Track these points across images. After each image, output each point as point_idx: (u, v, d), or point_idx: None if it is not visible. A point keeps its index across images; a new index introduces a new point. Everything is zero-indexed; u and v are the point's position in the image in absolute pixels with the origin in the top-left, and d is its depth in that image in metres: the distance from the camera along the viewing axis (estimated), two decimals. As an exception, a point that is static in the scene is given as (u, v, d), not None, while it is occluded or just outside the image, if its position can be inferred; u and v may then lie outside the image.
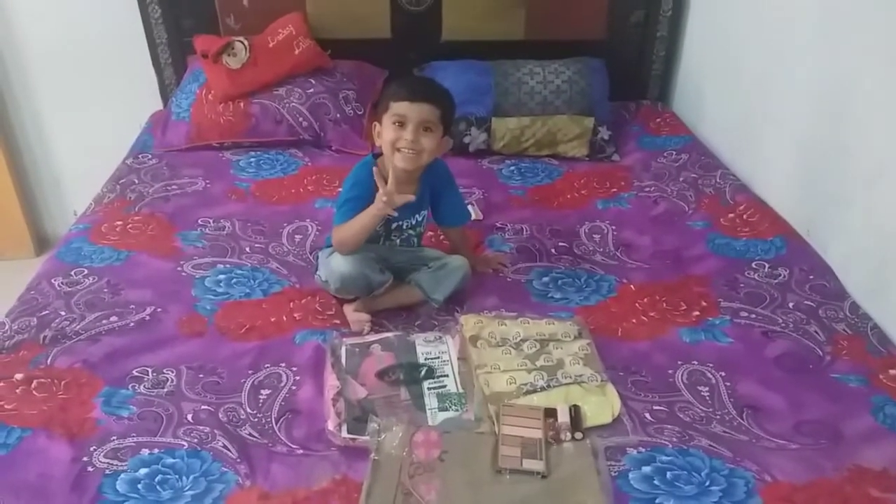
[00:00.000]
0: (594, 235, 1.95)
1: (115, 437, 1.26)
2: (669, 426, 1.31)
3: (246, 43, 2.39)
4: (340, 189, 1.67)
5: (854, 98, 1.70)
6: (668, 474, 1.20)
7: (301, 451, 1.25)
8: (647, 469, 1.21)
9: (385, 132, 1.57)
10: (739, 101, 2.26)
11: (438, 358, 1.45)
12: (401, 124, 1.54)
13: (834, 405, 1.35)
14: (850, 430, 1.29)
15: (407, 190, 1.58)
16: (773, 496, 1.15)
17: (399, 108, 1.54)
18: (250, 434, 1.28)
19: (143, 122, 2.61)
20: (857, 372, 1.43)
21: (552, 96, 2.35)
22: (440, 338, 1.51)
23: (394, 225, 1.66)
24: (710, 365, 1.46)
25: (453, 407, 1.33)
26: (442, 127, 1.58)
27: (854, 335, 1.53)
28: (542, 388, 1.37)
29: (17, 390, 1.36)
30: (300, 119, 2.37)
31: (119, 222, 1.96)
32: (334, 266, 1.57)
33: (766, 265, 1.77)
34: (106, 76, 2.71)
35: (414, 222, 1.70)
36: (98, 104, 2.76)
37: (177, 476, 1.19)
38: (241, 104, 2.37)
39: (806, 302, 1.64)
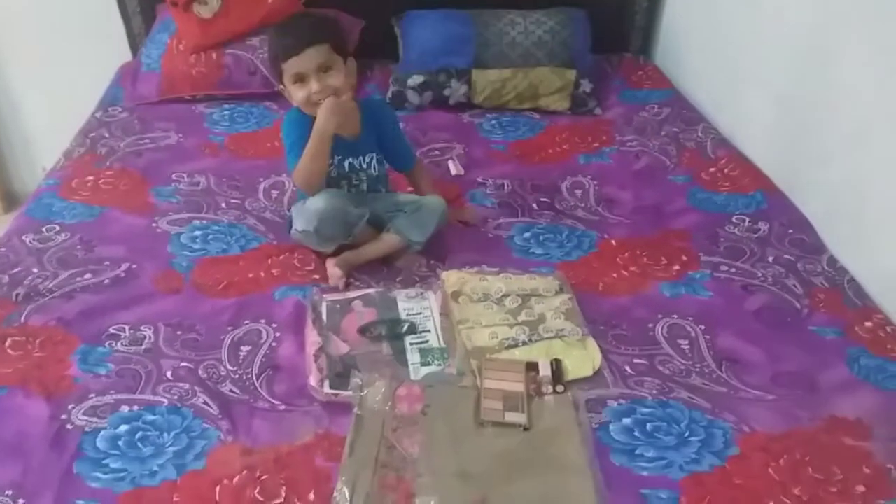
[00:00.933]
0: (576, 190, 1.94)
1: (93, 395, 1.25)
2: (649, 379, 1.32)
3: (217, -9, 2.31)
4: (283, 137, 1.64)
5: (838, 53, 1.68)
6: (648, 426, 1.21)
7: (283, 407, 1.24)
8: (627, 421, 1.22)
9: (294, 94, 1.55)
10: (722, 54, 2.24)
11: (420, 314, 1.44)
12: (302, 80, 1.52)
13: (811, 357, 1.37)
14: (826, 381, 1.31)
15: (346, 126, 1.58)
16: (750, 446, 1.17)
17: (290, 66, 1.51)
18: (231, 390, 1.28)
19: (111, 74, 2.53)
20: (834, 324, 1.45)
21: (534, 48, 2.31)
22: (422, 294, 1.50)
23: (347, 165, 1.63)
24: (690, 318, 1.47)
25: (436, 362, 1.33)
26: (340, 56, 1.54)
27: (831, 288, 1.55)
28: (524, 343, 1.37)
29: (-8, 349, 1.33)
30: (275, 71, 2.31)
31: (90, 177, 1.91)
32: (310, 205, 1.54)
33: (747, 219, 1.78)
34: (72, 26, 2.61)
35: (366, 163, 1.66)
36: (64, 56, 2.66)
37: (157, 433, 1.18)
38: (214, 55, 2.30)
39: (785, 256, 1.65)
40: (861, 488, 1.10)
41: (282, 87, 1.60)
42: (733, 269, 1.61)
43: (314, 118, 1.55)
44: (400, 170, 1.78)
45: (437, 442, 1.16)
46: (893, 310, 1.49)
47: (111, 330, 1.40)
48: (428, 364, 1.33)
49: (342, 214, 1.54)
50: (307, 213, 1.55)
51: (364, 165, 1.66)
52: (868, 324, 1.44)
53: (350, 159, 1.63)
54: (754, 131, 2.06)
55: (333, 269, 1.55)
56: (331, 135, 1.54)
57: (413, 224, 1.61)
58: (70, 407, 1.22)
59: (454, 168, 2.01)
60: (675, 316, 1.48)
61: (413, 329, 1.41)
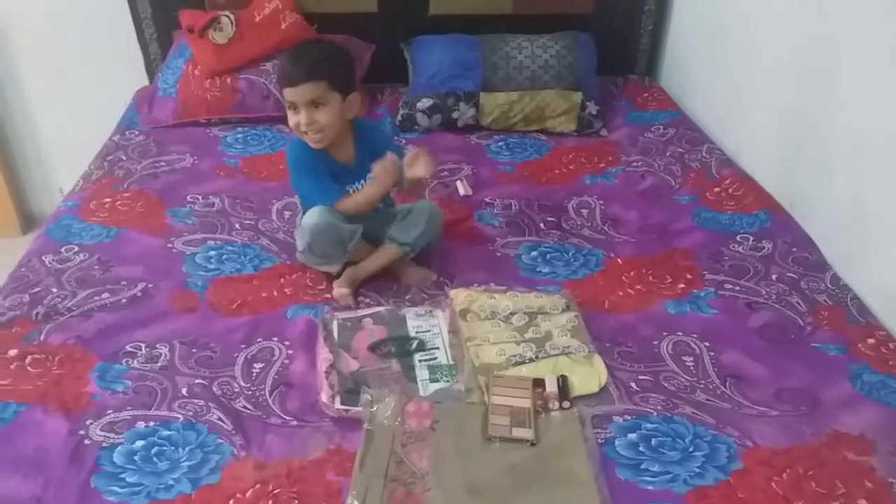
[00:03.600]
0: (582, 210, 1.97)
1: (110, 411, 1.28)
2: (654, 395, 1.34)
3: (232, 17, 2.38)
4: (291, 176, 1.69)
5: (839, 71, 1.71)
6: (653, 441, 1.23)
7: (295, 423, 1.27)
8: (632, 436, 1.24)
9: (288, 117, 1.60)
10: (726, 75, 2.27)
11: (429, 331, 1.47)
12: (294, 108, 1.57)
13: (814, 373, 1.39)
14: (829, 397, 1.33)
15: (342, 153, 1.64)
16: (753, 460, 1.19)
17: (287, 94, 1.56)
18: (244, 406, 1.31)
19: (128, 99, 2.59)
20: (837, 341, 1.46)
21: (540, 71, 2.36)
22: (431, 312, 1.53)
23: (346, 189, 1.66)
24: (695, 336, 1.49)
25: (444, 378, 1.36)
26: (337, 93, 1.57)
27: (834, 306, 1.57)
28: (531, 360, 1.40)
29: (12, 366, 1.37)
30: (288, 95, 2.36)
31: (108, 199, 1.96)
32: (303, 222, 1.59)
33: (751, 238, 1.80)
34: (90, 52, 2.69)
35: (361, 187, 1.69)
36: (82, 81, 2.73)
37: (173, 447, 1.21)
38: (228, 80, 2.36)
39: (788, 274, 1.67)
40: (863, 502, 1.11)
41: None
42: (737, 287, 1.63)
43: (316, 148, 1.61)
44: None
45: (445, 457, 1.18)
46: (895, 326, 1.50)
47: (128, 348, 1.44)
48: (436, 380, 1.35)
49: (334, 229, 1.57)
50: (302, 230, 1.60)
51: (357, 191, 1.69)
52: (871, 340, 1.46)
53: (349, 186, 1.66)
54: (758, 151, 2.09)
55: (339, 290, 1.58)
56: (379, 198, 1.63)
57: (403, 227, 1.65)
58: (88, 423, 1.26)
59: (462, 189, 2.05)
60: (679, 333, 1.50)
61: (422, 346, 1.43)
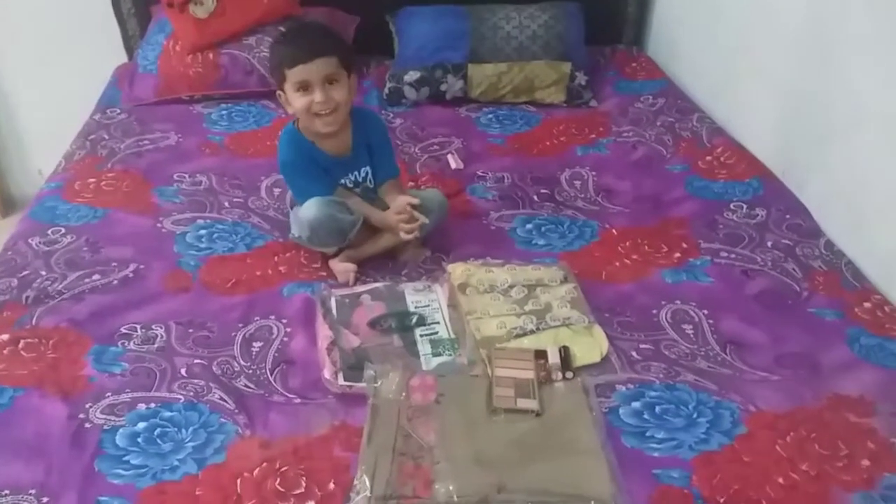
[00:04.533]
0: (575, 182, 1.96)
1: (109, 394, 1.26)
2: (656, 363, 1.35)
3: (213, -9, 2.32)
4: (281, 170, 1.67)
5: (836, 42, 1.71)
6: (657, 408, 1.24)
7: (298, 400, 1.26)
8: (636, 404, 1.25)
9: (293, 101, 1.53)
10: (715, 44, 2.27)
11: (428, 306, 1.46)
12: (305, 89, 1.50)
13: (812, 338, 1.40)
14: (828, 361, 1.34)
15: (337, 143, 1.59)
16: (757, 424, 1.20)
17: (296, 73, 1.49)
18: (246, 385, 1.29)
19: (107, 76, 2.53)
20: (833, 306, 1.48)
21: (528, 41, 2.33)
22: (429, 286, 1.52)
23: (340, 183, 1.63)
24: (693, 304, 1.50)
25: (446, 352, 1.35)
26: (345, 70, 1.53)
27: (829, 271, 1.58)
28: (532, 332, 1.40)
29: (5, 351, 1.34)
30: (272, 69, 2.32)
31: (92, 179, 1.91)
32: (301, 214, 1.56)
33: (744, 206, 1.81)
34: (66, 29, 2.61)
35: (361, 177, 1.66)
36: (59, 59, 2.66)
37: (176, 429, 1.20)
38: (210, 55, 2.31)
39: (783, 241, 1.68)
40: (866, 462, 1.13)
41: (280, 93, 1.57)
42: (733, 255, 1.64)
43: (310, 141, 1.58)
44: (379, 181, 1.69)
45: (452, 429, 1.18)
46: (891, 290, 1.52)
47: (123, 329, 1.41)
48: (439, 354, 1.35)
49: (334, 222, 1.54)
50: (300, 222, 1.57)
51: (360, 179, 1.66)
52: (867, 304, 1.48)
53: (344, 179, 1.64)
54: (749, 119, 2.09)
55: (344, 266, 1.56)
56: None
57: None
58: (87, 406, 1.24)
59: (454, 162, 2.03)
60: (677, 302, 1.51)
61: (422, 321, 1.43)
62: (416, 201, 1.56)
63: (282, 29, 1.63)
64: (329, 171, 1.61)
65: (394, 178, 1.71)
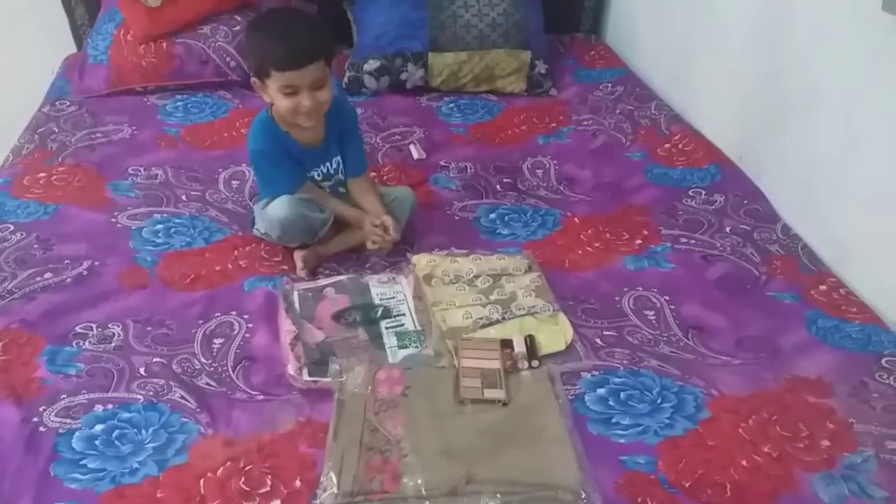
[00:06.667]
0: (537, 171, 1.96)
1: (64, 395, 1.22)
2: (620, 350, 1.36)
3: (164, -22, 2.25)
4: (251, 158, 1.62)
5: (790, 25, 1.73)
6: (622, 395, 1.25)
7: (262, 397, 1.24)
8: (601, 391, 1.26)
9: (277, 101, 1.47)
10: (673, 31, 2.28)
11: (394, 298, 1.45)
12: (293, 92, 1.45)
13: (771, 321, 1.42)
14: (787, 344, 1.37)
15: (310, 133, 1.56)
16: (720, 408, 1.22)
17: (286, 78, 1.43)
18: (207, 383, 1.27)
19: (55, 68, 2.44)
20: (791, 289, 1.51)
21: (488, 29, 2.32)
22: (394, 278, 1.51)
23: (309, 175, 1.61)
24: (655, 290, 1.51)
25: (412, 344, 1.34)
26: (329, 67, 1.50)
27: (786, 255, 1.61)
28: (498, 321, 1.39)
29: (-47, 354, 1.29)
30: (227, 59, 2.27)
31: (42, 174, 1.85)
32: (271, 214, 1.53)
33: (703, 192, 1.83)
34: (10, 17, 2.51)
35: (333, 168, 1.63)
36: (4, 49, 2.55)
37: (135, 430, 1.16)
38: (164, 44, 2.25)
39: (741, 226, 1.71)
40: (826, 442, 1.15)
41: (257, 80, 1.51)
42: (693, 241, 1.66)
43: (284, 131, 1.54)
44: (349, 175, 1.66)
45: (419, 422, 1.17)
46: (845, 273, 1.56)
47: (78, 329, 1.37)
48: (405, 347, 1.34)
49: (305, 221, 1.52)
50: (269, 220, 1.53)
51: (331, 171, 1.64)
52: (823, 287, 1.51)
53: (314, 170, 1.61)
54: (706, 106, 2.11)
55: (299, 261, 1.54)
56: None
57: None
58: (41, 409, 1.19)
59: (416, 152, 2.02)
60: (639, 288, 1.52)
61: (387, 313, 1.41)
62: (396, 226, 1.55)
63: (263, 11, 1.52)
64: (301, 161, 1.58)
65: (363, 175, 1.68)
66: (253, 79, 1.53)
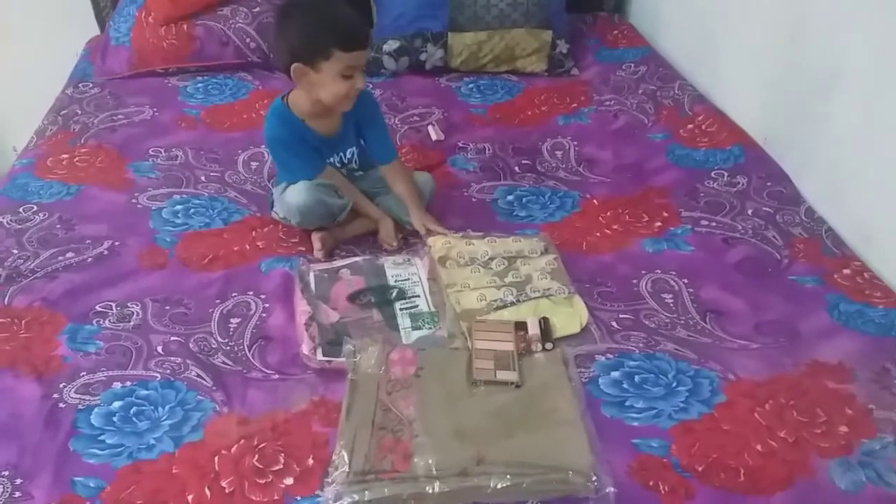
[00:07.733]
0: (556, 152, 1.94)
1: (84, 373, 1.24)
2: (635, 333, 1.34)
3: (185, -41, 2.26)
4: (268, 146, 1.63)
5: (815, 8, 1.69)
6: (637, 378, 1.24)
7: (277, 377, 1.25)
8: (615, 374, 1.24)
9: (332, 85, 1.45)
10: (698, 11, 2.24)
11: (408, 279, 1.45)
12: (350, 74, 1.45)
13: (792, 305, 1.40)
14: (807, 328, 1.34)
15: (327, 123, 1.56)
16: (736, 392, 1.20)
17: (353, 58, 1.43)
18: (223, 362, 1.28)
19: (79, 50, 2.47)
20: (813, 273, 1.48)
21: (509, 9, 2.29)
22: (409, 260, 1.51)
23: (328, 162, 1.60)
24: (673, 273, 1.49)
25: (426, 325, 1.34)
26: None
27: (810, 238, 1.58)
28: (512, 303, 1.39)
29: (-24, 331, 1.32)
30: (248, 40, 2.28)
31: (65, 155, 1.88)
32: (289, 200, 1.53)
33: (725, 174, 1.80)
34: (35, 2, 2.54)
35: (347, 158, 1.64)
36: (28, 33, 2.59)
37: (152, 407, 1.18)
38: (185, 26, 2.26)
39: (764, 208, 1.68)
40: (844, 428, 1.13)
41: (300, 66, 1.44)
42: (713, 223, 1.63)
43: (301, 119, 1.54)
44: (379, 162, 1.66)
45: (431, 403, 1.17)
46: (870, 256, 1.52)
47: (98, 308, 1.39)
48: (419, 328, 1.34)
49: (324, 206, 1.52)
50: (288, 206, 1.53)
51: (346, 160, 1.64)
52: (846, 271, 1.48)
53: (330, 159, 1.61)
54: (731, 87, 2.07)
55: (317, 242, 1.54)
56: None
57: (403, 203, 1.61)
58: (62, 386, 1.22)
59: (434, 134, 2.01)
60: (658, 271, 1.50)
61: (402, 294, 1.41)
62: (438, 230, 1.56)
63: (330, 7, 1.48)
64: (317, 149, 1.58)
65: (394, 160, 1.66)
66: (296, 65, 1.45)
